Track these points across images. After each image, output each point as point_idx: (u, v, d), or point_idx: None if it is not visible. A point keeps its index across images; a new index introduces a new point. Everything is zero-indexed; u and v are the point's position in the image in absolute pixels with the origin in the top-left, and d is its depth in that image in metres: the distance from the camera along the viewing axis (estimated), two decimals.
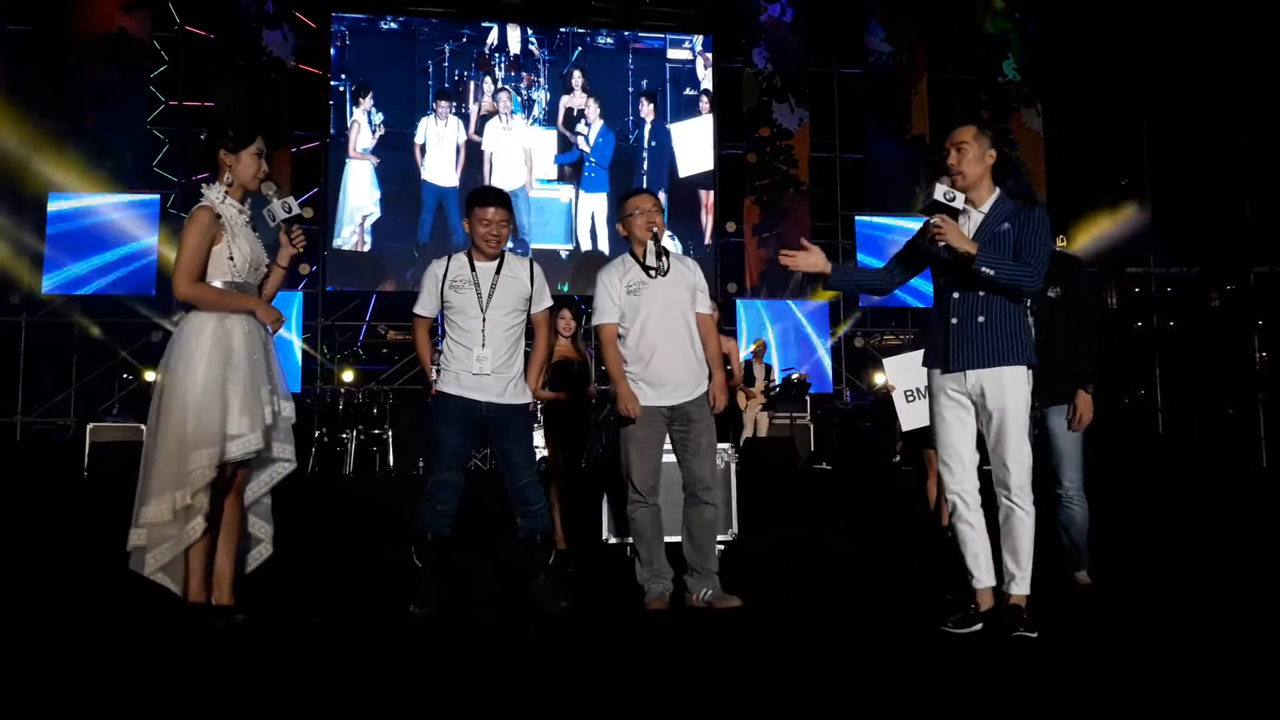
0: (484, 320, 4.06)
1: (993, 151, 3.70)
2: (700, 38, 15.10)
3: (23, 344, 12.88)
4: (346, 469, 10.66)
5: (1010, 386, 3.61)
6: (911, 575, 4.95)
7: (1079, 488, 4.43)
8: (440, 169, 14.09)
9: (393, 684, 3.04)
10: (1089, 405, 4.33)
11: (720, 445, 6.19)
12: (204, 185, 3.71)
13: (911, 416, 6.30)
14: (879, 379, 6.63)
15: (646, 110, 14.86)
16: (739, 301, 14.21)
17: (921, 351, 6.40)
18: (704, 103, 15.05)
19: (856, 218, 14.94)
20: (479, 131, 14.26)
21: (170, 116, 13.63)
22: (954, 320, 3.71)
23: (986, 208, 3.69)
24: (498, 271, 4.13)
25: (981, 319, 3.65)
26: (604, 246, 14.22)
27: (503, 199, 4.20)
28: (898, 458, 11.52)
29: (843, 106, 15.52)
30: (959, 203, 3.62)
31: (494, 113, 14.35)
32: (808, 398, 12.35)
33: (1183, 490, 9.82)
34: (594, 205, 14.45)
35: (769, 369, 11.75)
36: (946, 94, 15.70)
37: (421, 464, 10.67)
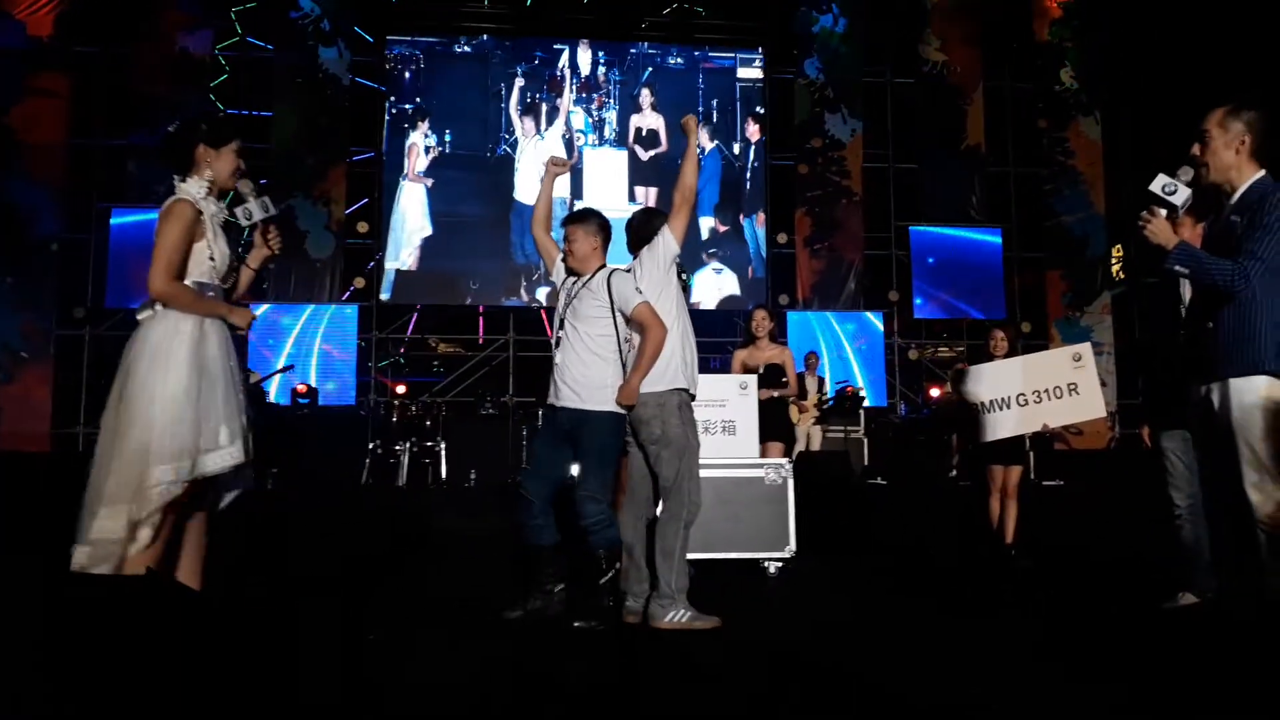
0: (563, 324, 4.32)
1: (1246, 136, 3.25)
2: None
3: (85, 356, 13.16)
4: (400, 480, 10.71)
5: (1236, 400, 3.16)
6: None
7: None
8: (530, 187, 13.96)
9: (491, 688, 3.04)
10: None
11: (777, 460, 6.12)
12: (177, 180, 3.48)
13: (993, 427, 6.17)
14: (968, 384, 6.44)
15: (752, 131, 14.89)
16: (790, 313, 14.08)
17: (1000, 361, 6.28)
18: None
19: (910, 228, 14.75)
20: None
21: None
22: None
23: (1236, 198, 3.30)
24: (584, 285, 4.34)
25: (1210, 324, 3.29)
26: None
27: (575, 217, 4.46)
28: (954, 472, 11.32)
29: (896, 116, 15.35)
30: (1179, 197, 3.28)
31: (537, 131, 14.37)
32: (861, 411, 12.18)
33: None
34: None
35: (821, 382, 11.60)
36: (1002, 104, 15.46)
37: (474, 476, 10.80)
